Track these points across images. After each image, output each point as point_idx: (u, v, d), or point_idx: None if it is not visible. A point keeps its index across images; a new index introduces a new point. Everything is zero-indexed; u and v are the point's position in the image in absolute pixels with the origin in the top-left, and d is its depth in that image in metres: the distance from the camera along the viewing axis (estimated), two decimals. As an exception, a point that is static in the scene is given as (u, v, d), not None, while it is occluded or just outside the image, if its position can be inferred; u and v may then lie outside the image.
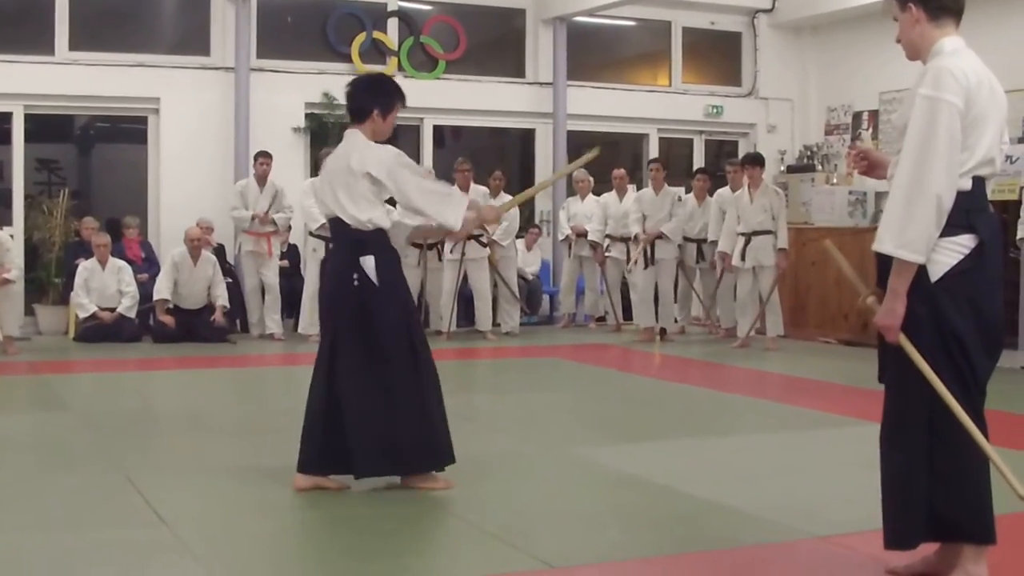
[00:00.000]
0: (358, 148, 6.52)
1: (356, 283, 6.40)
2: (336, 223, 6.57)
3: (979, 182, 4.40)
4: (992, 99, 4.40)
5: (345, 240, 6.54)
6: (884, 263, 4.42)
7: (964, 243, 4.36)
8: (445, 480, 6.61)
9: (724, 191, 15.21)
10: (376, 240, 6.47)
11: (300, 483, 6.52)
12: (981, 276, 4.38)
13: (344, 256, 6.54)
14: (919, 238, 4.27)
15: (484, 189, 14.96)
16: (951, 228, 4.32)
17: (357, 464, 6.44)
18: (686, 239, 15.51)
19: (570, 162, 16.25)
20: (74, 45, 15.21)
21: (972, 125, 4.32)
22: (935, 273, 4.34)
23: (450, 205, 6.57)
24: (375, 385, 6.42)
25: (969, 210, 4.35)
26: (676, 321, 15.96)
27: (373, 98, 6.66)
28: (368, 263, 6.40)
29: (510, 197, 15.22)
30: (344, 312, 6.52)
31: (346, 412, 6.44)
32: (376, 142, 6.59)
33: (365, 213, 6.41)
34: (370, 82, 6.92)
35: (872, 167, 4.84)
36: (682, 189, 15.87)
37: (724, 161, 17.60)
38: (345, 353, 6.49)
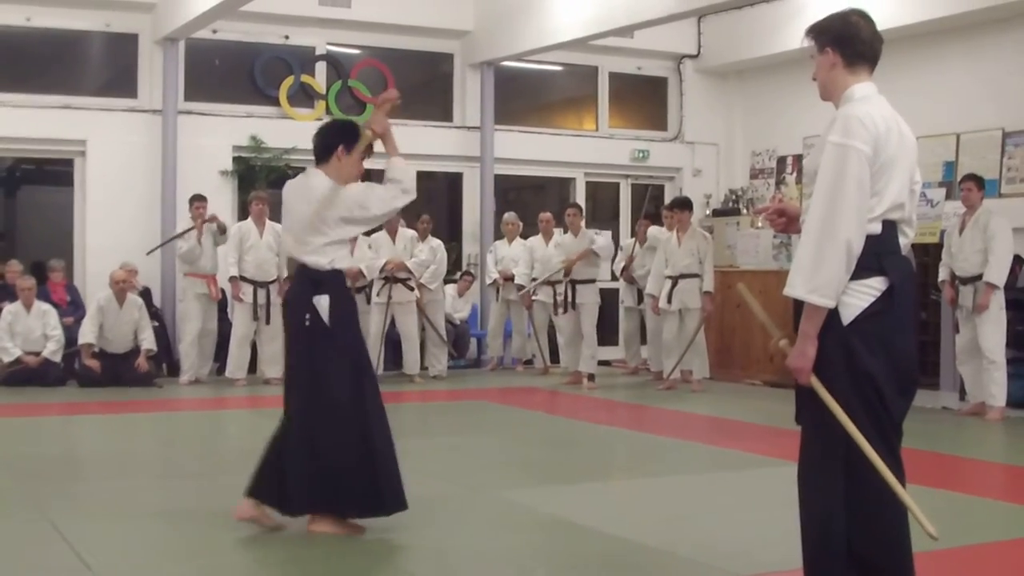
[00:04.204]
0: (319, 189, 6.59)
1: (308, 323, 6.46)
2: (294, 263, 6.68)
3: (889, 226, 4.47)
4: (901, 144, 4.48)
5: (302, 280, 6.61)
6: (799, 306, 4.48)
7: (875, 286, 4.41)
8: (356, 525, 6.59)
9: (658, 231, 15.33)
10: (332, 280, 6.55)
11: (242, 508, 6.53)
12: (892, 317, 4.44)
13: (300, 296, 6.59)
14: (829, 283, 4.33)
15: (413, 233, 15.02)
16: (862, 271, 4.37)
17: (288, 502, 6.45)
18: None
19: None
20: (-1, 87, 15.14)
21: (880, 171, 4.39)
22: (847, 316, 4.39)
23: (398, 186, 6.67)
24: (318, 425, 6.42)
25: (879, 253, 4.41)
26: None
27: (338, 137, 6.78)
28: (322, 303, 6.46)
29: (438, 242, 15.36)
30: (297, 351, 6.62)
31: (284, 449, 6.46)
32: (343, 183, 6.66)
33: (326, 255, 6.50)
34: (336, 124, 7.09)
35: (791, 222, 4.89)
36: (609, 232, 15.91)
37: (650, 204, 17.77)
38: (296, 392, 6.56)
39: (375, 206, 6.62)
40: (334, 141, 6.74)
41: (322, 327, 6.46)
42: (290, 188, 6.98)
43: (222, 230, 14.28)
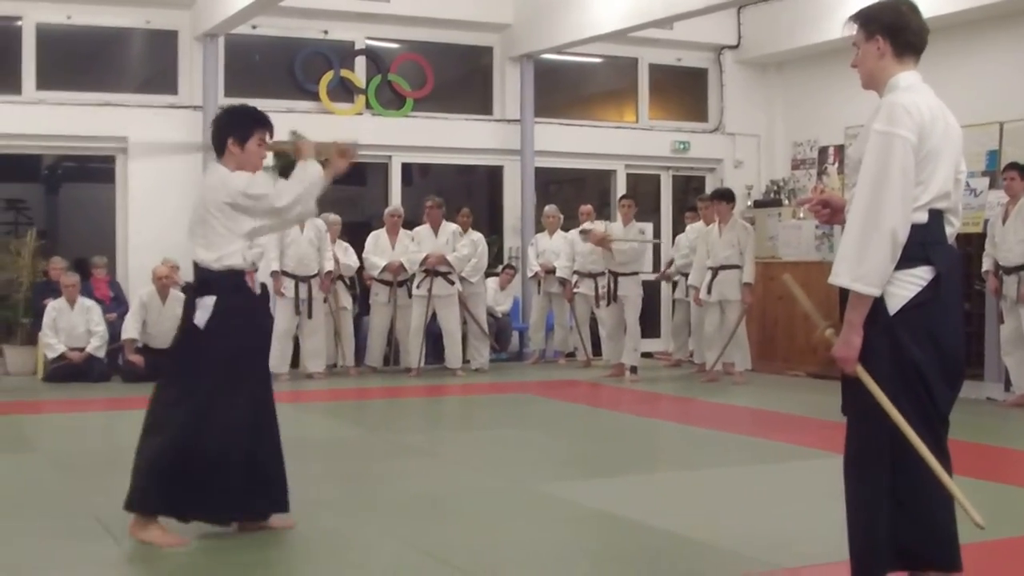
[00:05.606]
0: (211, 182, 6.40)
1: (188, 323, 6.26)
2: (193, 262, 6.41)
3: (936, 215, 4.44)
4: (946, 134, 4.45)
5: (195, 278, 6.37)
6: (845, 296, 4.45)
7: (921, 275, 4.39)
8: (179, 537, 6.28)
9: (698, 225, 15.34)
10: (221, 281, 6.24)
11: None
12: (939, 308, 4.41)
13: (189, 296, 6.39)
14: (874, 271, 4.31)
15: (455, 227, 15.01)
16: (908, 261, 4.36)
17: (132, 499, 6.26)
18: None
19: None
20: (41, 84, 15.21)
21: (926, 160, 4.37)
22: (893, 306, 4.37)
23: (305, 171, 6.60)
24: (171, 423, 6.20)
25: (925, 243, 4.39)
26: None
27: (226, 129, 6.51)
28: (205, 303, 6.19)
29: (479, 235, 15.32)
30: (174, 348, 6.50)
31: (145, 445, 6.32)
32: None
33: (215, 251, 6.22)
34: (223, 113, 6.69)
35: (835, 213, 4.86)
36: (650, 224, 15.88)
37: (692, 196, 17.72)
38: (163, 387, 6.37)
39: (262, 189, 6.32)
40: (222, 135, 6.49)
41: (196, 330, 6.21)
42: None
43: None
